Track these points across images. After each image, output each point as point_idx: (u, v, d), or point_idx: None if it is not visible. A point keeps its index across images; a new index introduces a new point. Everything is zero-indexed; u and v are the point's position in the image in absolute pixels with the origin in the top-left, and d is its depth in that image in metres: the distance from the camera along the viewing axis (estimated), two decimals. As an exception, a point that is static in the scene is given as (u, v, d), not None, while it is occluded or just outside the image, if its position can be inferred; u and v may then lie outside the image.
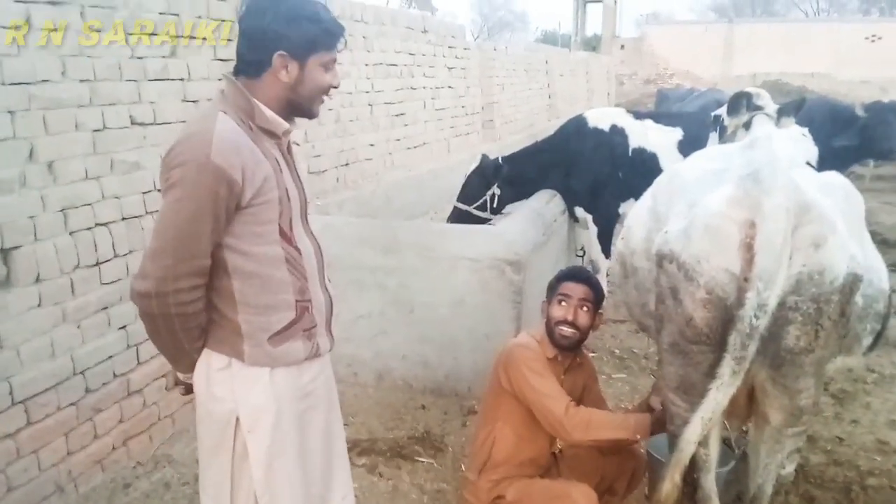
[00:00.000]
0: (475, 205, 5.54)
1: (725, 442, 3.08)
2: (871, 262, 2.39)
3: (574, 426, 2.60)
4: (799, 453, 2.32)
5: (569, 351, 2.89)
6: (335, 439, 2.27)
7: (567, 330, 2.81)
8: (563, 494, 2.66)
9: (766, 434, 2.23)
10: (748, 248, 1.95)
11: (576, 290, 2.85)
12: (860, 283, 2.05)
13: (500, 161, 5.61)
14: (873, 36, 28.42)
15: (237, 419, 1.97)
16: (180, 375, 2.09)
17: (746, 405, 2.26)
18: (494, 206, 5.55)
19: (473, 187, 5.59)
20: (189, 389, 2.11)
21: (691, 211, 2.18)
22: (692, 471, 2.28)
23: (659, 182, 2.72)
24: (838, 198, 2.29)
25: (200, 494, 2.15)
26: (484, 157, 5.69)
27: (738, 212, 2.01)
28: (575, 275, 2.95)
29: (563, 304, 2.84)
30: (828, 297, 1.97)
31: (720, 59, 30.36)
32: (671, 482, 2.13)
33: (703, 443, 2.15)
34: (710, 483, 2.30)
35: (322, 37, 1.94)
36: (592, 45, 33.43)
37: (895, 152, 6.30)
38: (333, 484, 2.25)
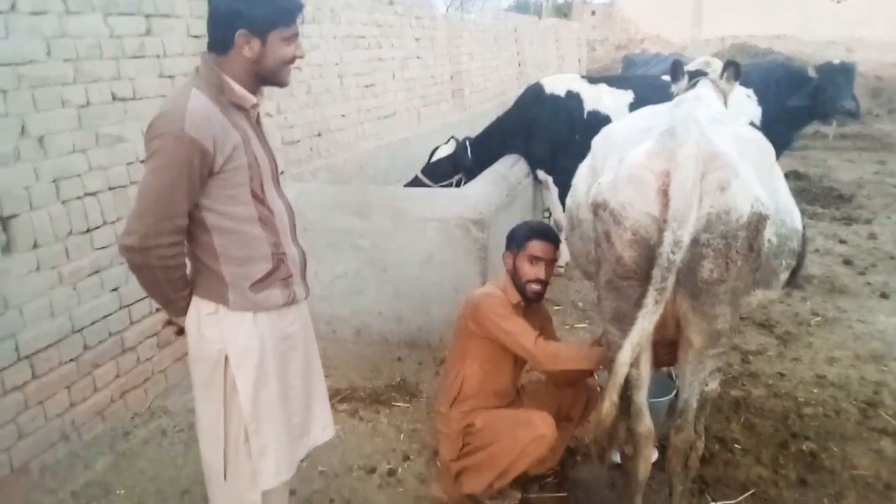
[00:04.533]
0: (441, 184, 5.90)
1: (668, 375, 3.43)
2: (785, 205, 2.71)
3: (544, 357, 2.90)
4: (720, 372, 2.64)
5: (536, 303, 3.20)
6: (314, 377, 2.55)
7: (538, 287, 3.11)
8: (525, 420, 2.97)
9: (690, 356, 2.55)
10: (664, 194, 2.25)
11: (546, 250, 3.11)
12: (765, 222, 2.34)
13: (468, 145, 6.01)
14: (839, -4, 28.70)
15: (226, 357, 2.23)
16: (173, 318, 2.35)
17: (675, 332, 2.57)
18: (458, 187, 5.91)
19: (442, 170, 5.95)
20: (180, 331, 2.37)
21: (620, 164, 2.47)
22: (627, 390, 2.60)
23: (596, 141, 3.01)
24: (750, 149, 2.59)
25: (196, 426, 2.41)
26: (458, 143, 6.04)
27: (655, 163, 2.30)
28: (543, 235, 3.15)
29: (535, 264, 3.10)
30: (734, 234, 2.27)
31: (690, 23, 30.51)
32: (609, 400, 2.43)
33: (634, 364, 2.45)
34: (641, 398, 2.62)
35: (279, 14, 2.12)
36: (564, 11, 33.41)
37: (844, 112, 6.58)
38: (313, 415, 2.55)
